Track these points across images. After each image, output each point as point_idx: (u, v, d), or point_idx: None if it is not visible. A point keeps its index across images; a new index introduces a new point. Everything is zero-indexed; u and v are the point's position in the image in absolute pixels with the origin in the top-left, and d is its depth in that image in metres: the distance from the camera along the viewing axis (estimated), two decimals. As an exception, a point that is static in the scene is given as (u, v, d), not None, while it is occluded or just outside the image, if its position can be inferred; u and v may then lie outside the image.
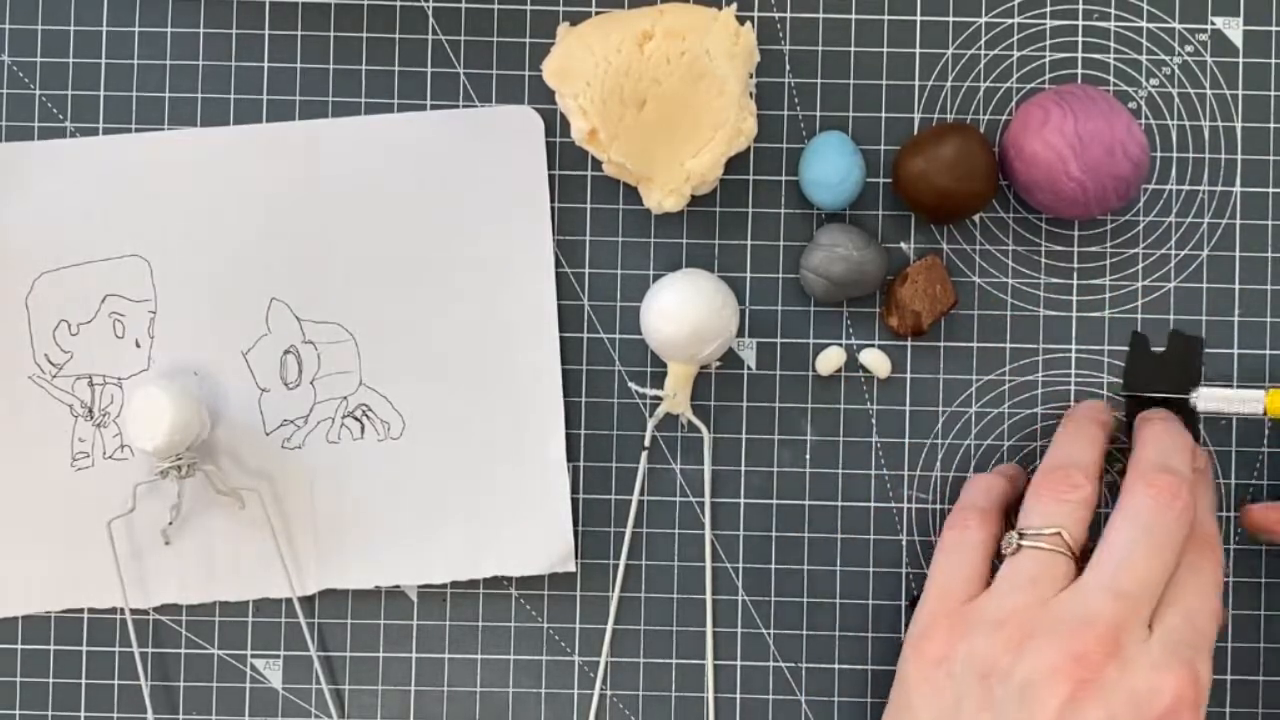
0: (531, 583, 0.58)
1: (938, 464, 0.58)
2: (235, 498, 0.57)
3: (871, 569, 0.58)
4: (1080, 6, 0.58)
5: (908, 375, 0.58)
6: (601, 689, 0.58)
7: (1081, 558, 0.50)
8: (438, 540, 0.57)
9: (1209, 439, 0.58)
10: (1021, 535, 0.51)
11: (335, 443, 0.58)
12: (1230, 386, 0.56)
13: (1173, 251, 0.58)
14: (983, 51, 0.58)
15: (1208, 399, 0.55)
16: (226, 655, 0.58)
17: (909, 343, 0.58)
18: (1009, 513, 0.54)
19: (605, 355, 0.58)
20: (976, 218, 0.58)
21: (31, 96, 0.58)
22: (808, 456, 0.58)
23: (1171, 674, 0.47)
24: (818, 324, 0.58)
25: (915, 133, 0.58)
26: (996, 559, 0.52)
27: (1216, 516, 0.54)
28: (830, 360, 0.58)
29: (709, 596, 0.58)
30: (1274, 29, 0.58)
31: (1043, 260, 0.58)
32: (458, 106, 0.58)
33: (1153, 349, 0.58)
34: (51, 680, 0.58)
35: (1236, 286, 0.58)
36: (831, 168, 0.56)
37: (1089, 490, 0.51)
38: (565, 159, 0.58)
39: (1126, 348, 0.58)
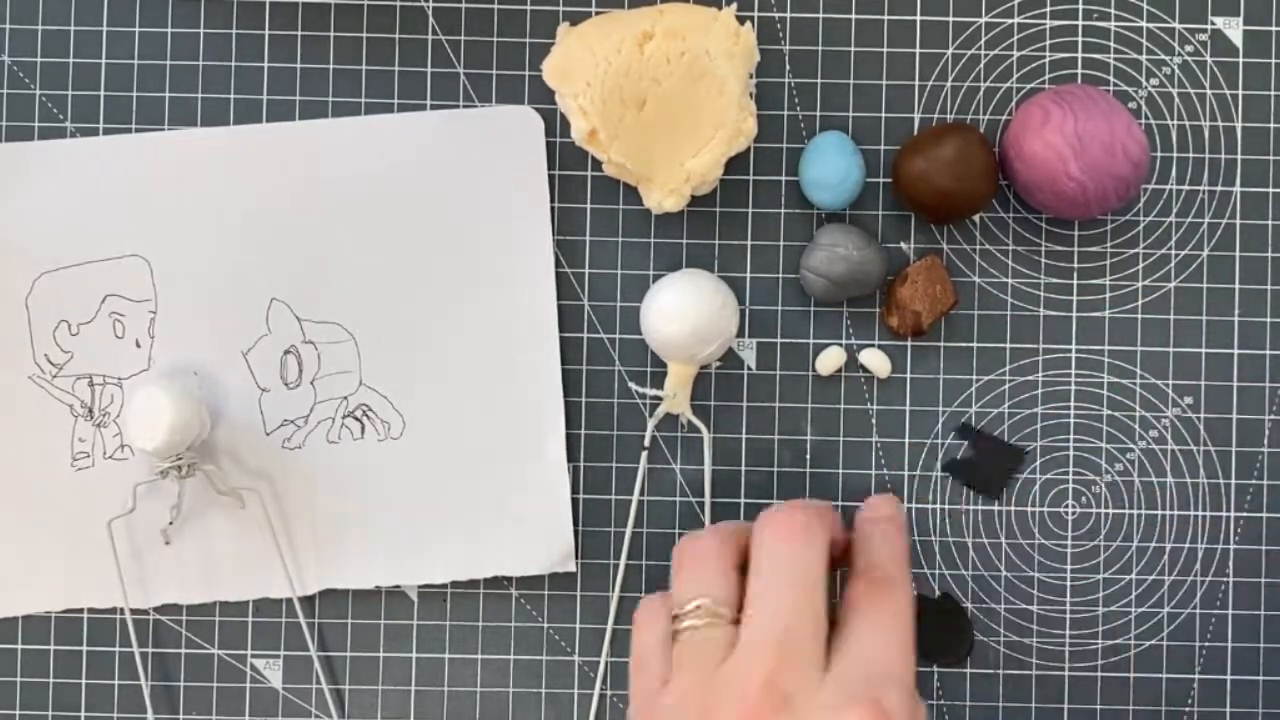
0: (531, 583, 0.58)
1: (938, 464, 0.58)
2: (235, 498, 0.57)
3: (871, 569, 0.58)
4: (1080, 6, 0.58)
5: (908, 375, 0.58)
6: (601, 689, 0.58)
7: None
8: (438, 540, 0.57)
9: (1209, 438, 0.58)
10: (675, 618, 0.49)
11: (335, 443, 0.58)
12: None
13: (1173, 251, 0.58)
14: (983, 51, 0.58)
15: None
16: (226, 655, 0.58)
17: (909, 343, 0.58)
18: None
19: (605, 355, 0.58)
20: (976, 218, 0.58)
21: (31, 96, 0.58)
22: (808, 456, 0.58)
23: (850, 711, 0.45)
24: (818, 324, 0.58)
25: (915, 133, 0.58)
26: None
27: (907, 563, 0.51)
28: (830, 360, 0.58)
29: (709, 596, 0.58)
30: (1274, 29, 0.58)
31: (1043, 260, 0.58)
32: (458, 106, 0.58)
33: (967, 459, 0.58)
34: (52, 680, 0.58)
35: (1236, 286, 0.58)
36: (831, 168, 0.56)
37: (728, 559, 0.49)
38: (565, 159, 0.58)
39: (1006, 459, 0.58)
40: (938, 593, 0.57)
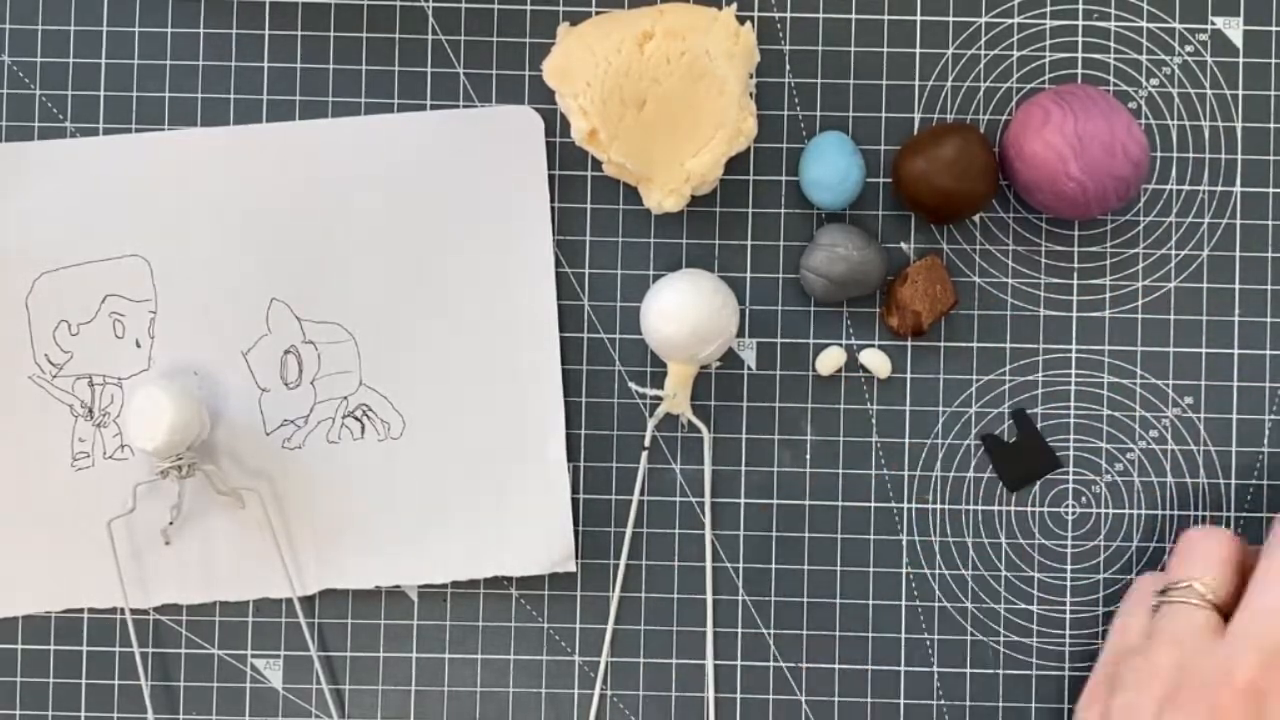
0: (531, 583, 0.58)
1: (938, 464, 0.58)
2: (235, 498, 0.57)
3: (871, 569, 0.58)
4: (1080, 6, 0.58)
5: (908, 375, 0.58)
6: (601, 689, 0.58)
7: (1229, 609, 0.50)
8: (438, 540, 0.57)
9: (1209, 438, 0.58)
10: (1163, 591, 0.50)
11: (335, 443, 0.58)
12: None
13: (1173, 251, 0.58)
14: (983, 51, 0.58)
15: None
16: (227, 655, 0.58)
17: (909, 343, 0.58)
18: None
19: (605, 355, 0.58)
20: (976, 218, 0.58)
21: (31, 96, 0.58)
22: (808, 456, 0.58)
23: None
24: (818, 324, 0.58)
25: (915, 133, 0.58)
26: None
27: None
28: (830, 360, 0.58)
29: (709, 596, 0.58)
30: (1274, 29, 0.58)
31: (1043, 260, 0.58)
32: (458, 106, 0.58)
33: (1005, 441, 0.58)
34: (52, 680, 0.58)
35: (1236, 286, 0.58)
36: (831, 168, 0.56)
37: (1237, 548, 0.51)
38: (565, 159, 0.58)
39: (992, 449, 0.58)
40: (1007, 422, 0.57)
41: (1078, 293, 0.58)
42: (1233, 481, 0.58)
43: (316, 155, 0.58)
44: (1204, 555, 0.50)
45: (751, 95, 0.56)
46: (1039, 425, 0.58)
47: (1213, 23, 0.58)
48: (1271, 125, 0.58)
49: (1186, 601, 0.50)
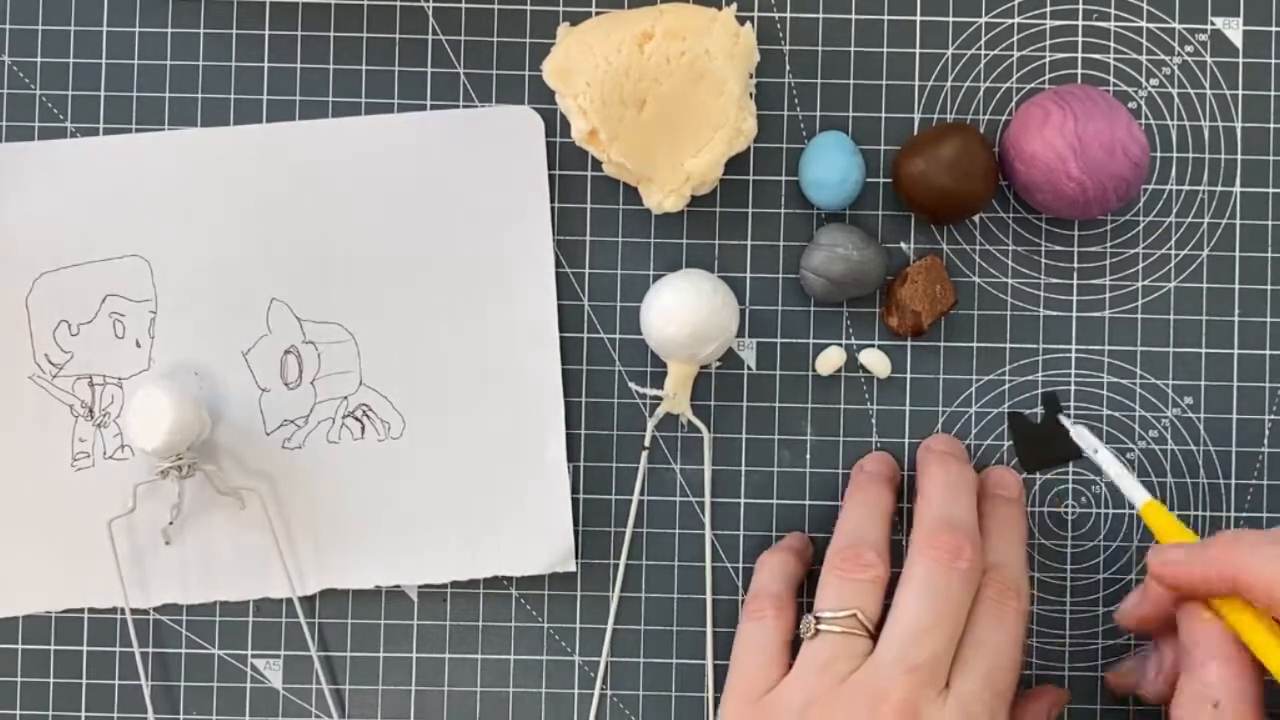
0: (531, 583, 0.58)
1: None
2: (235, 498, 0.57)
3: (871, 569, 0.58)
4: (1080, 6, 0.58)
5: (908, 375, 0.58)
6: (601, 689, 0.58)
7: (878, 630, 0.50)
8: (438, 540, 0.57)
9: (1209, 438, 0.58)
10: (818, 620, 0.51)
11: (335, 443, 0.58)
12: (1122, 461, 0.56)
13: (1173, 251, 0.58)
14: (983, 51, 0.58)
15: (1106, 464, 0.54)
16: (227, 655, 0.58)
17: (909, 343, 0.58)
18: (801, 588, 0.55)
19: (605, 355, 0.58)
20: (976, 218, 0.58)
21: (31, 96, 0.58)
22: (808, 456, 0.58)
23: None
24: (818, 324, 0.58)
25: (915, 133, 0.58)
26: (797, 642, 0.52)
27: (1025, 550, 0.53)
28: (830, 360, 0.58)
29: (709, 596, 0.58)
30: (1274, 29, 0.58)
31: (1043, 260, 0.58)
32: (458, 106, 0.58)
33: (1031, 422, 0.58)
34: (52, 680, 0.58)
35: (1236, 286, 0.58)
36: (831, 168, 0.56)
37: (880, 569, 0.51)
38: (565, 159, 0.58)
39: (1012, 427, 0.58)
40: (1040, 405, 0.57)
41: (1078, 293, 0.58)
42: (1233, 481, 0.58)
43: (316, 155, 0.58)
44: (858, 578, 0.51)
45: (751, 95, 0.56)
46: (1038, 424, 0.58)
47: (1213, 23, 0.58)
48: (1271, 125, 0.58)
49: (839, 631, 0.50)
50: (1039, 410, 0.58)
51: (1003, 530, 0.54)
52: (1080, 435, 0.55)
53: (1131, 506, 0.54)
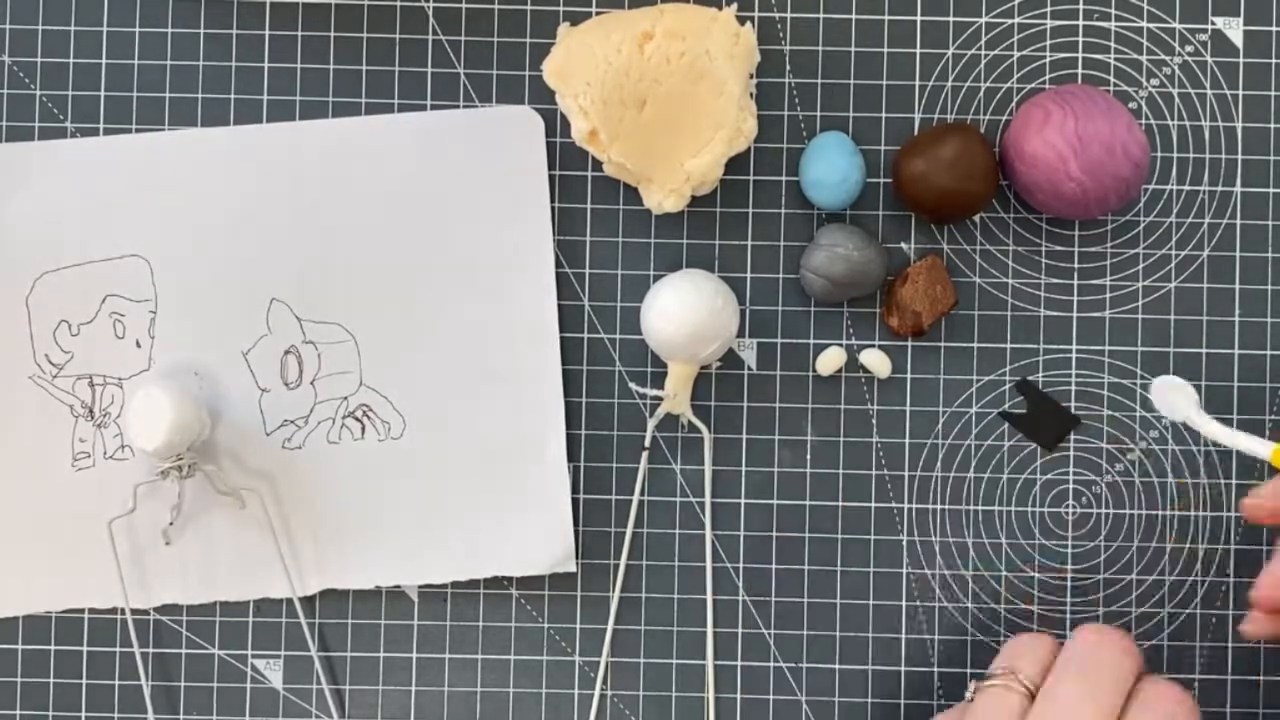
0: (531, 583, 0.58)
1: (938, 464, 0.58)
2: (236, 498, 0.57)
3: (871, 569, 0.58)
4: (1080, 6, 0.58)
5: (908, 375, 0.58)
6: (601, 689, 0.58)
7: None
8: (438, 540, 0.57)
9: (1209, 439, 0.58)
10: (986, 678, 0.51)
11: (336, 443, 0.58)
12: (1231, 426, 0.55)
13: (1173, 251, 0.58)
14: (983, 51, 0.58)
15: (1216, 434, 0.53)
16: (227, 655, 0.58)
17: (909, 343, 0.58)
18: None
19: (605, 355, 0.58)
20: (976, 218, 0.58)
21: (31, 96, 0.58)
22: (808, 456, 0.58)
23: None
24: (818, 324, 0.58)
25: (915, 133, 0.58)
26: None
27: None
28: (830, 360, 0.58)
29: (709, 596, 0.58)
30: (1274, 29, 0.58)
31: (1043, 260, 0.58)
32: (458, 106, 0.58)
33: (1030, 403, 0.58)
34: (52, 680, 0.58)
35: (1236, 286, 0.58)
36: (831, 168, 0.56)
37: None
38: (565, 159, 0.58)
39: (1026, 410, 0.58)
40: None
41: (1078, 293, 0.58)
42: (1233, 481, 0.58)
43: (316, 155, 0.58)
44: (1026, 651, 0.51)
45: (751, 95, 0.56)
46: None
47: (1213, 23, 0.58)
48: (1271, 125, 0.58)
49: (1007, 686, 0.50)
50: (1021, 405, 0.58)
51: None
52: (1191, 410, 0.54)
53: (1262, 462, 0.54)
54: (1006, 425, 0.58)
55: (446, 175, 0.57)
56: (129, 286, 0.58)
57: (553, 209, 0.58)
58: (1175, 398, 0.54)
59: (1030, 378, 0.58)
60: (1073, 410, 0.57)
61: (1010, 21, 0.58)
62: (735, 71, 0.54)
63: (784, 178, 0.58)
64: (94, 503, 0.57)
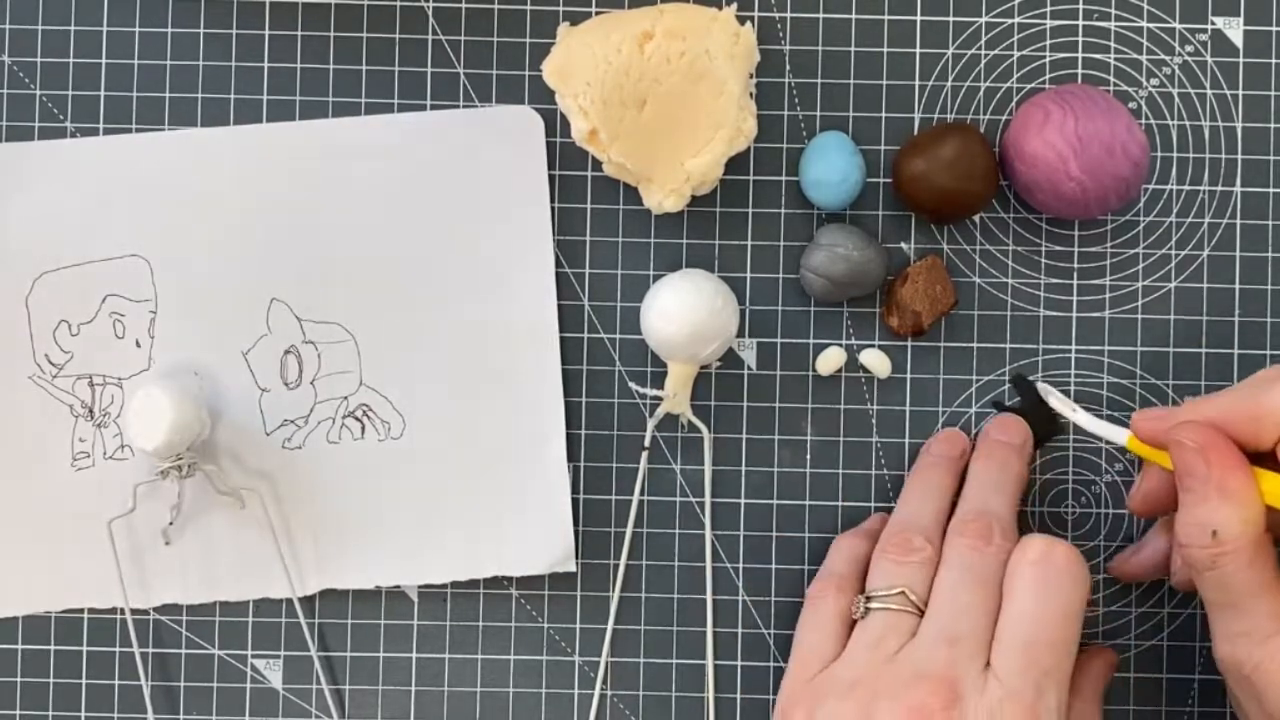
0: (531, 583, 0.58)
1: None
2: (235, 498, 0.57)
3: (871, 569, 0.58)
4: (1080, 6, 0.58)
5: (908, 375, 0.58)
6: (601, 689, 0.58)
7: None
8: (438, 540, 0.57)
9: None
10: (868, 599, 0.52)
11: (336, 443, 0.58)
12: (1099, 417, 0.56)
13: (1173, 251, 0.58)
14: (983, 51, 0.58)
15: (1085, 422, 0.55)
16: (227, 655, 0.58)
17: (909, 343, 0.58)
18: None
19: (605, 355, 0.58)
20: (976, 218, 0.58)
21: (31, 96, 0.58)
22: (808, 456, 0.58)
23: (1012, 713, 0.48)
24: (818, 324, 0.58)
25: (915, 133, 0.58)
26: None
27: (1013, 499, 0.54)
28: (830, 360, 0.58)
29: (709, 596, 0.58)
30: (1274, 29, 0.58)
31: (1043, 260, 0.58)
32: (458, 106, 0.58)
33: (1009, 405, 0.58)
34: (52, 680, 0.58)
35: (1236, 286, 0.58)
36: (831, 168, 0.56)
37: (929, 551, 0.52)
38: (565, 159, 0.58)
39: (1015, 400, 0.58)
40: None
41: (1078, 293, 0.58)
42: (1233, 481, 0.58)
43: (316, 155, 0.58)
44: (907, 560, 0.52)
45: (751, 95, 0.56)
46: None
47: (1213, 23, 0.58)
48: (1271, 125, 0.58)
49: (891, 609, 0.51)
50: (1016, 399, 0.58)
51: (988, 475, 0.54)
52: (1050, 395, 0.56)
53: (1119, 448, 0.55)
54: (1007, 388, 0.58)
55: (446, 175, 0.57)
56: (129, 286, 0.58)
57: (553, 209, 0.58)
58: (1038, 388, 0.57)
59: (1030, 377, 0.58)
60: (1072, 410, 0.57)
61: (1010, 21, 0.58)
62: (735, 71, 0.54)
63: (784, 178, 0.58)
64: (94, 503, 0.57)
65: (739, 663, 0.58)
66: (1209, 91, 0.58)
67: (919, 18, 0.58)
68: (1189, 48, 0.58)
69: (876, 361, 0.58)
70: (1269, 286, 0.58)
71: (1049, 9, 0.58)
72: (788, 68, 0.58)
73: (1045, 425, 0.57)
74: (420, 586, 0.58)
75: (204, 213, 0.58)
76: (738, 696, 0.58)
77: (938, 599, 0.51)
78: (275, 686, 0.58)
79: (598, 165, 0.57)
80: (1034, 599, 0.49)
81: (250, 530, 0.57)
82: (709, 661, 0.58)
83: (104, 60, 0.58)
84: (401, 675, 0.58)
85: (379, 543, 0.57)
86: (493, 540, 0.57)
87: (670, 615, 0.58)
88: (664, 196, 0.55)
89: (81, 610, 0.58)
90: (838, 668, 0.51)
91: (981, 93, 0.58)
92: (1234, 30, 0.58)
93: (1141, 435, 0.52)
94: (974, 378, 0.58)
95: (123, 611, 0.58)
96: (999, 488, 0.54)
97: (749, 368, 0.58)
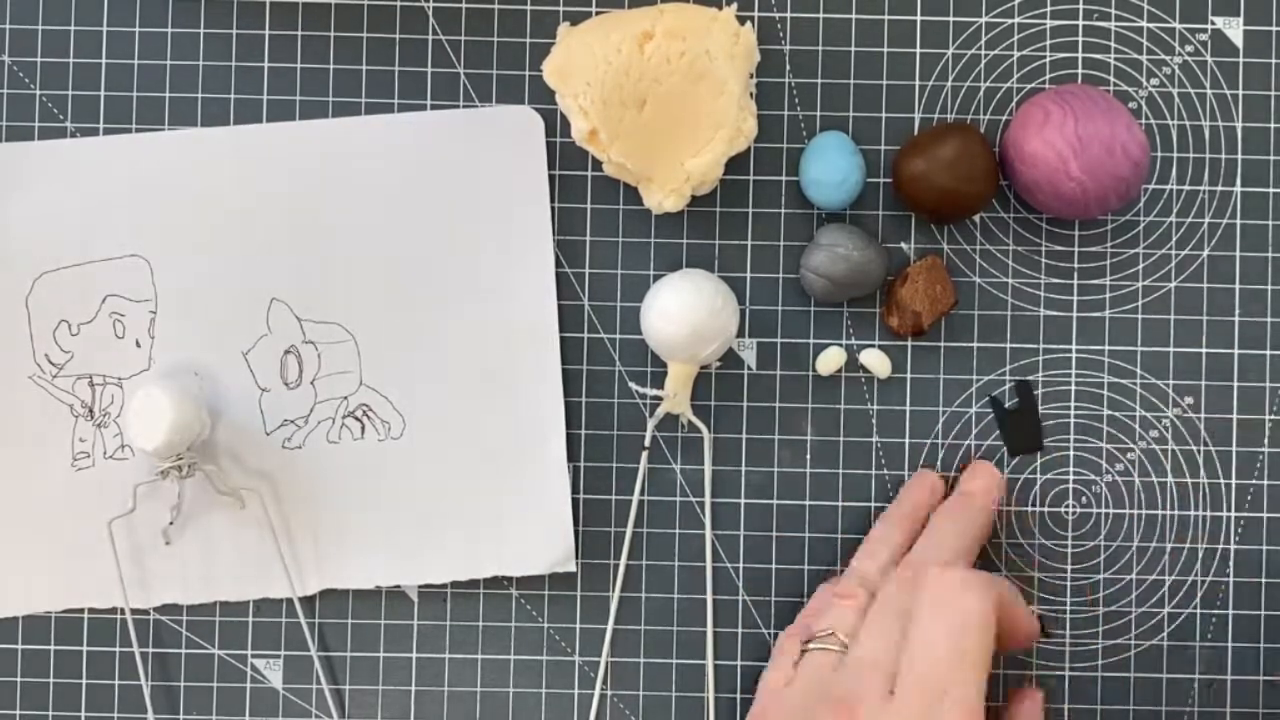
0: (531, 583, 0.58)
1: (938, 464, 0.58)
2: (235, 498, 0.57)
3: (871, 569, 0.58)
4: (1080, 6, 0.58)
5: (908, 375, 0.58)
6: (601, 689, 0.58)
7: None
8: (438, 540, 0.57)
9: (1209, 439, 0.58)
10: (805, 642, 0.53)
11: (335, 443, 0.58)
12: None
13: (1173, 251, 0.58)
14: (983, 51, 0.58)
15: None
16: (227, 655, 0.58)
17: (909, 343, 0.58)
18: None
19: (605, 355, 0.58)
20: (976, 218, 0.58)
21: (31, 96, 0.58)
22: (808, 456, 0.58)
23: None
24: (818, 324, 0.58)
25: (915, 133, 0.58)
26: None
27: (967, 544, 0.54)
28: (830, 360, 0.58)
29: (709, 596, 0.58)
30: (1274, 29, 0.58)
31: (1043, 260, 0.58)
32: (458, 106, 0.58)
33: (1007, 406, 0.58)
34: (52, 680, 0.58)
35: (1236, 286, 0.58)
36: (831, 168, 0.56)
37: (863, 596, 0.53)
38: (565, 159, 0.58)
39: (994, 411, 0.58)
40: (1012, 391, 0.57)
41: (1078, 293, 0.58)
42: (1233, 481, 0.58)
43: (316, 155, 0.58)
44: (843, 608, 0.53)
45: (751, 95, 0.56)
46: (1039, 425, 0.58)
47: (1213, 23, 0.58)
48: (1271, 125, 0.58)
49: (826, 648, 0.52)
50: (1016, 399, 0.58)
51: (943, 532, 0.55)
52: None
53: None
54: (1007, 388, 0.58)
55: (446, 175, 0.57)
56: (129, 286, 0.58)
57: (553, 209, 0.58)
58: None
59: (1031, 378, 0.58)
60: (1072, 411, 0.57)
61: (1010, 21, 0.58)
62: (735, 71, 0.54)
63: (784, 178, 0.58)
64: (94, 503, 0.57)
65: (739, 663, 0.58)
66: (1209, 91, 0.58)
67: (919, 18, 0.58)
68: (1189, 48, 0.58)
69: (876, 361, 0.58)
70: (1269, 286, 0.58)
71: (1049, 9, 0.58)
72: (788, 68, 0.58)
73: (1022, 439, 0.57)
74: (420, 586, 0.58)
75: (204, 213, 0.58)
76: (738, 696, 0.58)
77: (860, 632, 0.52)
78: (275, 686, 0.58)
79: (598, 165, 0.57)
80: (928, 617, 0.50)
81: (250, 530, 0.57)
82: (709, 661, 0.58)
83: (104, 60, 0.58)
84: (401, 675, 0.58)
85: (379, 543, 0.57)
86: (493, 540, 0.57)
87: (670, 615, 0.58)
88: (664, 196, 0.55)
89: (81, 610, 0.58)
90: (789, 692, 0.52)
91: (981, 93, 0.58)
92: (1234, 30, 0.58)
93: None
94: (974, 378, 0.58)
95: (123, 611, 0.58)
96: (949, 547, 0.54)
97: (749, 368, 0.58)
